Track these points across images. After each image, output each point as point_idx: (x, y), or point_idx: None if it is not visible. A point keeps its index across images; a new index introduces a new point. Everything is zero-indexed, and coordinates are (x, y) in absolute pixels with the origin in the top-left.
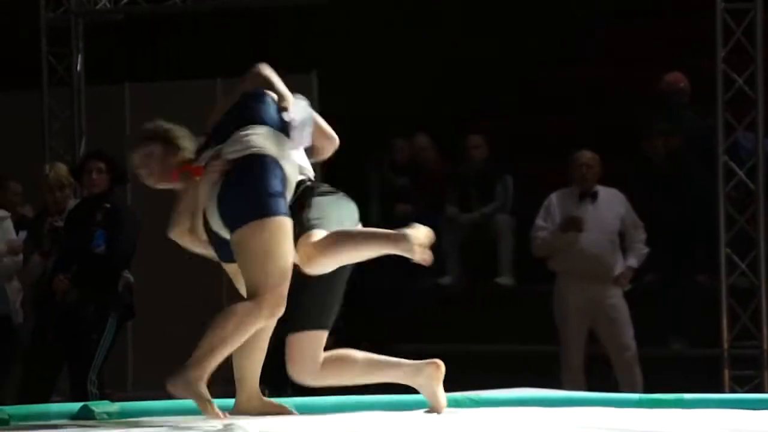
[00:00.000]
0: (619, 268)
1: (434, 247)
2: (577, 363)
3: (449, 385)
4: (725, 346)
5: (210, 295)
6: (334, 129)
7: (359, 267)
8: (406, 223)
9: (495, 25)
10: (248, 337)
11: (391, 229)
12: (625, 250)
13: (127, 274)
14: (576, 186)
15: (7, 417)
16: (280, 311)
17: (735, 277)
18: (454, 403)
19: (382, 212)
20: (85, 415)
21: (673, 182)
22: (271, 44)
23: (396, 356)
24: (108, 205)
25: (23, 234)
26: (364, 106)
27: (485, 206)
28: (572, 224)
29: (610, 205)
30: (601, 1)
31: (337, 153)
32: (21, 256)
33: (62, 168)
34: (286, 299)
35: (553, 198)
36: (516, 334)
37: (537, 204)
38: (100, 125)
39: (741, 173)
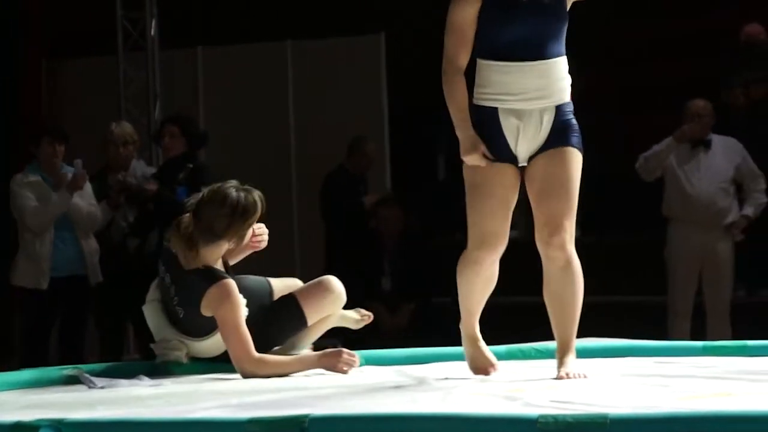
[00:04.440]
0: (732, 217)
1: None
2: (683, 310)
3: (520, 337)
4: None
5: (283, 253)
6: (403, 88)
7: (429, 228)
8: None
9: None
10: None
11: None
12: (743, 200)
13: None
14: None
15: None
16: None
17: None
18: (520, 354)
19: (449, 166)
20: (163, 371)
21: (752, 133)
22: (340, 5)
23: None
24: (190, 166)
25: (81, 166)
26: (432, 66)
27: None
28: (688, 133)
29: (725, 153)
30: None
31: (406, 110)
32: (100, 210)
33: (127, 126)
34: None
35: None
36: (586, 285)
37: (602, 154)
38: (173, 88)
39: None
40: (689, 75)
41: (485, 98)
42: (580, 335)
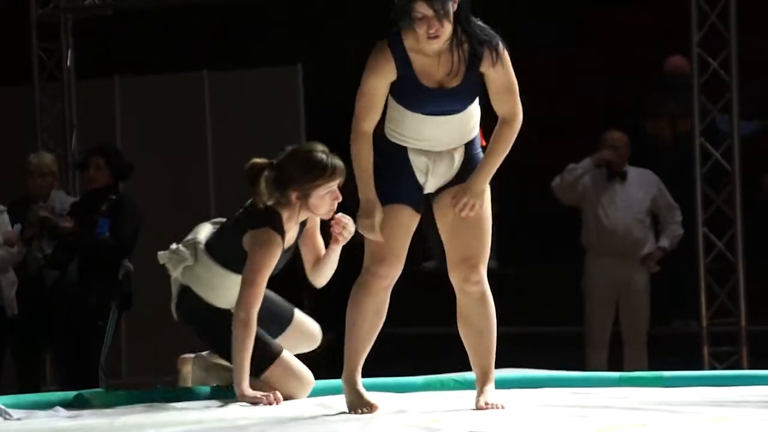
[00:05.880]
0: (648, 248)
1: (419, 232)
2: (600, 341)
3: (442, 367)
4: (704, 323)
5: None
6: (320, 119)
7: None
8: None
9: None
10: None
11: None
12: (659, 232)
13: (128, 263)
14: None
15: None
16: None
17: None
18: (439, 385)
19: None
20: (80, 403)
21: (678, 165)
22: (258, 36)
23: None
24: (113, 197)
25: (18, 227)
26: (350, 98)
27: None
28: (606, 157)
29: (641, 185)
30: None
31: (324, 140)
32: (17, 248)
33: (47, 156)
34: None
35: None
36: (502, 316)
37: (521, 186)
38: (90, 119)
39: (717, 154)
40: (607, 105)
41: (395, 137)
42: (498, 366)
